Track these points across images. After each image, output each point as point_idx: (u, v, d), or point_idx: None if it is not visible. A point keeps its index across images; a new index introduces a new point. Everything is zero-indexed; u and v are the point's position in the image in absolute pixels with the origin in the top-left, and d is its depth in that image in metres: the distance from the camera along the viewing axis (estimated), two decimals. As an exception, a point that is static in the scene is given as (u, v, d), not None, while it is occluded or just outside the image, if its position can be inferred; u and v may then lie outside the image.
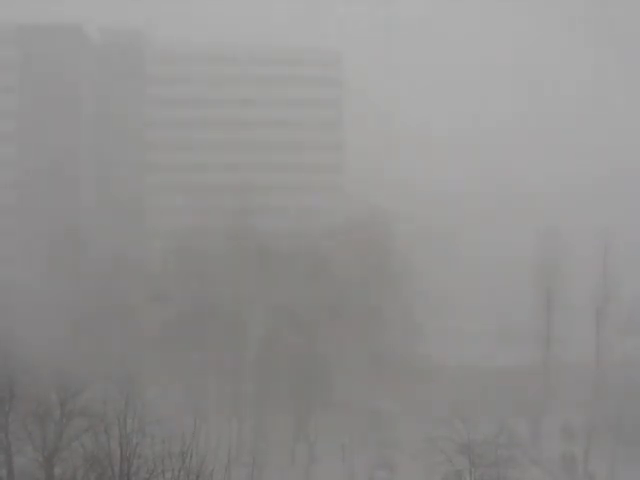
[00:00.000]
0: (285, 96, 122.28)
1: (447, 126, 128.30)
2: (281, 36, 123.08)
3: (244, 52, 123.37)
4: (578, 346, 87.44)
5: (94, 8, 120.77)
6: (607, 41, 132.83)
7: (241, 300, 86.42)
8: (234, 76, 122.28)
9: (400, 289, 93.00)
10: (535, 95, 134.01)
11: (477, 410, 67.48)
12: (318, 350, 79.68)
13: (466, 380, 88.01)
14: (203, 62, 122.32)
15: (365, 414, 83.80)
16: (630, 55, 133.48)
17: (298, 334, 78.50)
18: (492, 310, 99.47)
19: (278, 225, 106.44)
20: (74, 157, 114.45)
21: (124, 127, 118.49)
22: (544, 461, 78.03)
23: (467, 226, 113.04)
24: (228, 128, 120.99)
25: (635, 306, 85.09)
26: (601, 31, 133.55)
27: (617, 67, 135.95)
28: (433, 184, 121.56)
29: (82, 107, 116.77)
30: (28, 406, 51.42)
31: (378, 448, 79.54)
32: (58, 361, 68.14)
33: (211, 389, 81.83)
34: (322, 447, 78.08)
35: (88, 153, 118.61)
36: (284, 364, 78.25)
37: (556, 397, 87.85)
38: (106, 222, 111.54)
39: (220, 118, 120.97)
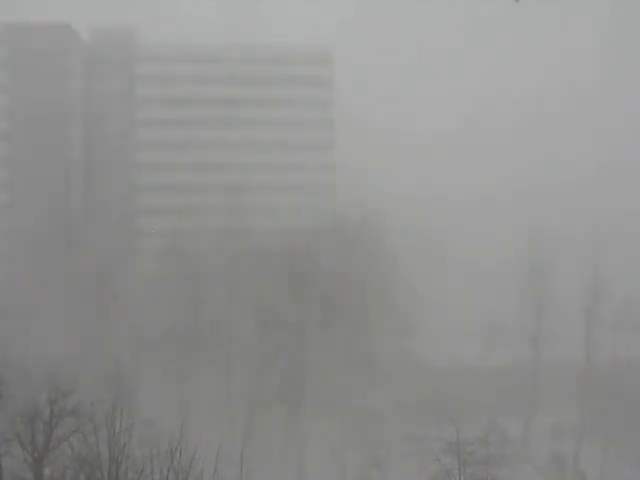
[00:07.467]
0: (277, 96, 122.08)
1: (441, 126, 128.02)
2: (274, 36, 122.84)
3: (234, 51, 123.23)
4: (568, 345, 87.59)
5: (84, 7, 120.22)
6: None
7: (233, 300, 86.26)
8: (224, 75, 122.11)
9: (391, 289, 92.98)
10: (535, 92, 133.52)
11: (468, 409, 67.49)
12: (308, 350, 79.51)
13: (457, 380, 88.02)
14: (194, 61, 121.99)
15: (355, 414, 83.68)
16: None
17: (288, 334, 78.30)
18: (483, 310, 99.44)
19: (270, 225, 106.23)
20: (64, 156, 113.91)
21: (113, 126, 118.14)
22: (534, 460, 78.11)
23: (457, 226, 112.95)
24: (219, 127, 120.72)
25: (625, 305, 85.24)
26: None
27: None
28: (426, 185, 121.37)
29: (71, 106, 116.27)
30: (17, 406, 51.11)
31: (369, 448, 79.46)
32: (49, 360, 67.84)
33: (202, 389, 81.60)
34: (312, 447, 77.97)
35: (78, 152, 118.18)
36: (274, 364, 78.09)
37: (546, 396, 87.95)
38: (96, 223, 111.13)
39: (211, 118, 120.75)
